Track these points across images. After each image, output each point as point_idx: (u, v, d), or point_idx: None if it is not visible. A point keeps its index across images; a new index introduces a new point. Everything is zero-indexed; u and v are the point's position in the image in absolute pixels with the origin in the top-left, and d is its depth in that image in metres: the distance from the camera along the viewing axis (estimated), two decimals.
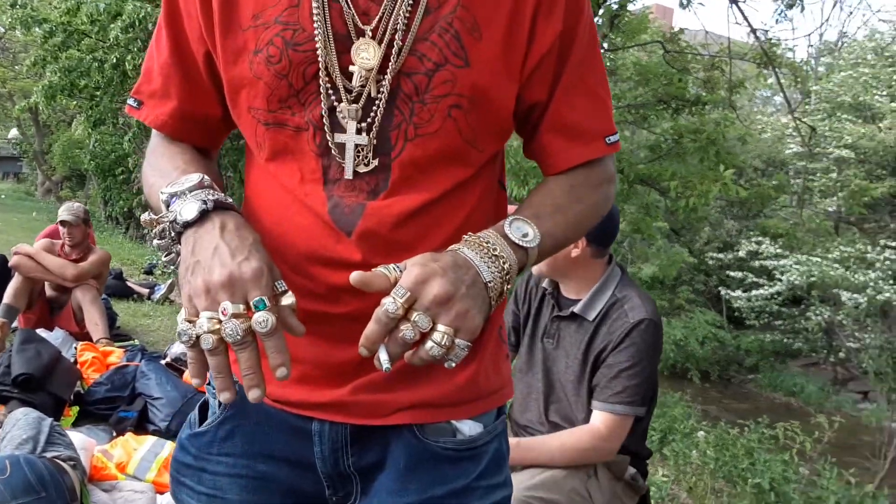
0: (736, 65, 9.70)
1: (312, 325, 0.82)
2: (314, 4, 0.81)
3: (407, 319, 0.73)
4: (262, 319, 0.70)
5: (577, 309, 1.91)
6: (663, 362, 10.61)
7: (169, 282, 6.81)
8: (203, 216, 0.76)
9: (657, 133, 10.13)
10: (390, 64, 0.81)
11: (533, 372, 2.03)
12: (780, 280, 10.98)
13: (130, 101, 0.96)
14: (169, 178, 0.83)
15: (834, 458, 5.28)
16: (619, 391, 1.80)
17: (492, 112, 0.85)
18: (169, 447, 2.81)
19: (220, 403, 0.93)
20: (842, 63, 14.03)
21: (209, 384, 0.90)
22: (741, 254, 12.10)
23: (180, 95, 0.92)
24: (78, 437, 2.73)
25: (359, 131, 0.83)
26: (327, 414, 0.88)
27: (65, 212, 4.50)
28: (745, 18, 8.28)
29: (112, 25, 7.78)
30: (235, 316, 0.70)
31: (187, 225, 0.76)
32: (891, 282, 9.88)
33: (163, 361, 3.77)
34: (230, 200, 0.80)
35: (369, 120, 0.83)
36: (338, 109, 0.83)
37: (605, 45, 8.59)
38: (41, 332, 3.97)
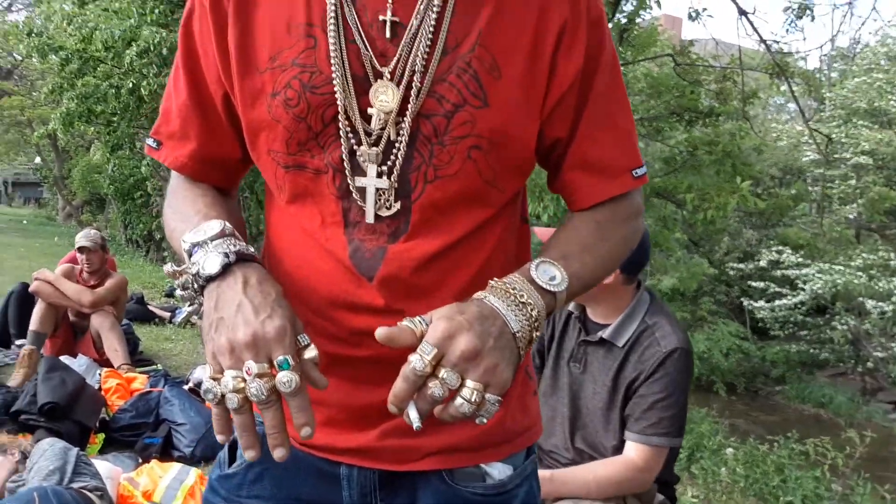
0: (748, 74, 9.66)
1: (335, 367, 0.82)
2: (331, 46, 0.80)
3: (435, 376, 0.71)
4: (287, 380, 0.70)
5: (605, 334, 1.88)
6: None
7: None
8: (225, 270, 0.76)
9: (671, 145, 10.09)
10: (409, 106, 0.80)
11: (558, 396, 2.00)
12: (803, 289, 10.85)
13: (149, 142, 0.96)
14: (190, 222, 0.83)
15: (867, 472, 5.16)
16: (654, 422, 1.78)
17: (512, 152, 0.84)
18: (194, 474, 2.82)
19: None
20: (855, 69, 13.94)
21: None
22: (762, 263, 11.97)
23: (199, 137, 0.92)
24: (104, 466, 2.75)
25: (379, 175, 0.82)
26: (355, 459, 0.88)
27: (83, 238, 4.56)
28: (756, 30, 8.24)
29: (127, 51, 7.90)
30: (260, 376, 0.70)
31: (210, 279, 0.76)
32: None
33: (185, 387, 3.78)
34: (251, 250, 0.79)
35: (389, 163, 0.82)
36: (357, 153, 0.82)
37: None
38: (65, 359, 4.01)
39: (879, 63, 13.28)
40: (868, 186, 11.99)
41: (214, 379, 0.72)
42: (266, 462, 0.91)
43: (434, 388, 0.71)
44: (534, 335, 0.78)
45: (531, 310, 0.77)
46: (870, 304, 10.05)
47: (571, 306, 2.01)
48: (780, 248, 11.70)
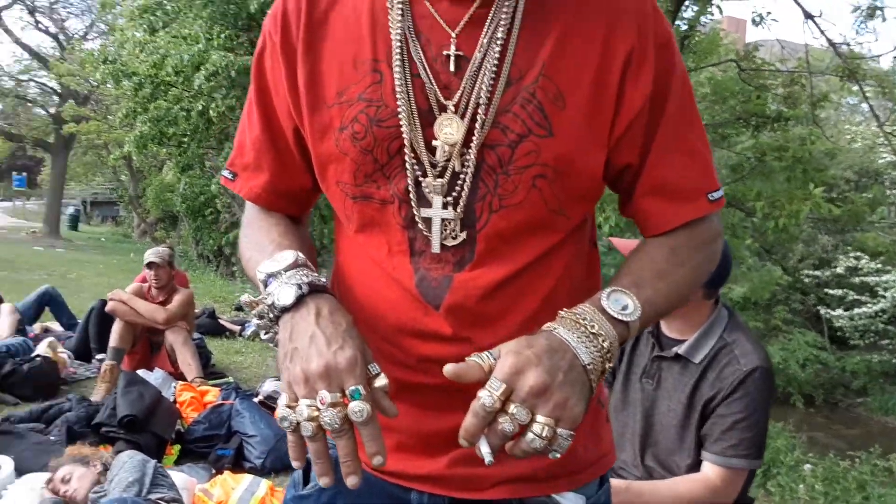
0: (819, 75, 9.31)
1: (404, 394, 0.83)
2: (397, 81, 0.82)
3: (505, 411, 0.71)
4: (358, 409, 0.72)
5: (681, 350, 1.83)
6: None
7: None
8: (299, 301, 0.78)
9: (738, 152, 9.80)
10: (474, 138, 0.81)
11: (629, 411, 1.96)
12: (884, 297, 10.37)
13: (225, 173, 1.00)
14: (264, 252, 0.86)
15: None
16: (734, 444, 1.73)
17: (578, 180, 0.84)
18: (265, 486, 2.90)
19: None
20: None
21: None
22: (839, 270, 11.51)
23: (272, 169, 0.95)
24: (180, 477, 2.86)
25: (445, 206, 0.83)
26: (426, 486, 0.89)
27: (151, 254, 4.77)
28: (823, 33, 7.89)
29: (196, 75, 8.22)
30: (333, 405, 0.72)
31: (285, 310, 0.78)
32: None
33: (256, 399, 3.88)
34: (323, 280, 0.81)
35: (455, 194, 0.83)
36: (423, 184, 0.84)
37: None
38: (142, 372, 4.18)
39: None
40: None
41: (290, 407, 0.74)
42: (339, 485, 0.93)
43: (504, 423, 0.71)
44: (606, 366, 0.77)
45: (602, 341, 0.76)
46: None
47: None
48: (858, 254, 11.21)
